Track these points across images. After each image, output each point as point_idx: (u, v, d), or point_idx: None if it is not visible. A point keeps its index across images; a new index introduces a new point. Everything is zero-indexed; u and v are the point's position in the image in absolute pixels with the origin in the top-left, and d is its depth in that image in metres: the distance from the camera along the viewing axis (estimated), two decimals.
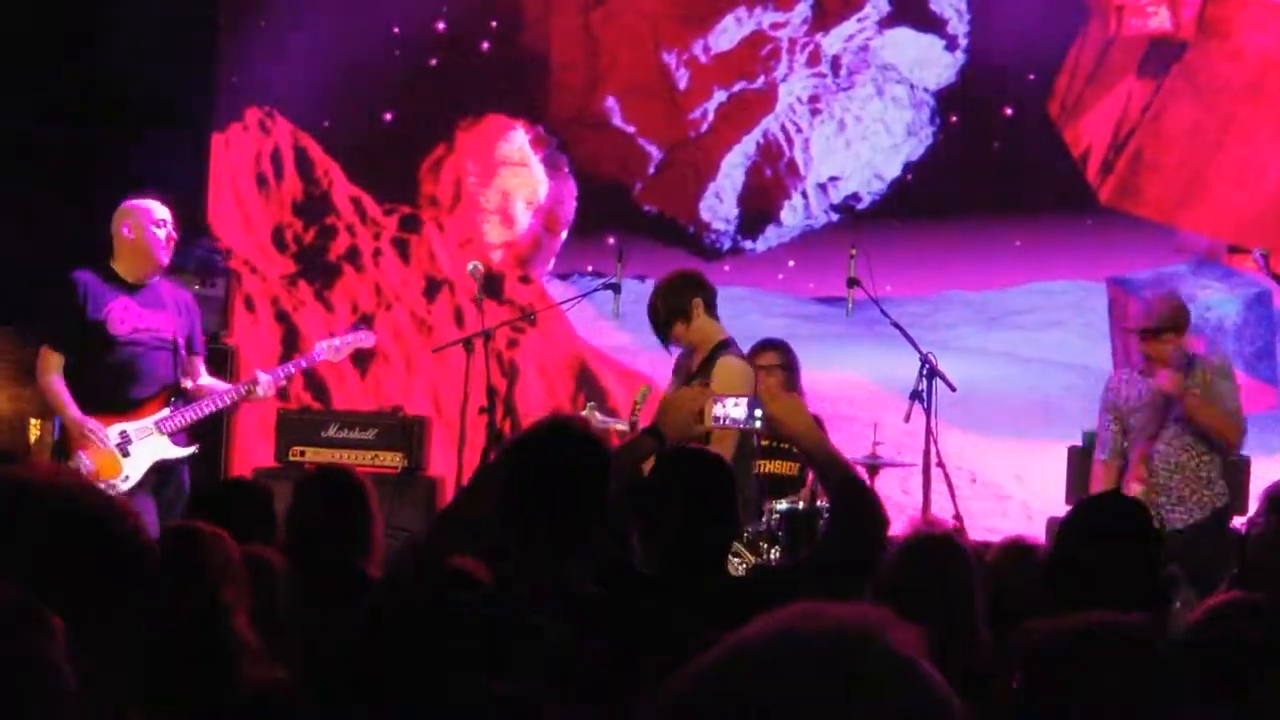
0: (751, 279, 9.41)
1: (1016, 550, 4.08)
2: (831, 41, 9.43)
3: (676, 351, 5.85)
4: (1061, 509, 7.57)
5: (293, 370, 6.71)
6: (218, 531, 3.06)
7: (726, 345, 5.69)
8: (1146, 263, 9.09)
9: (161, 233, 6.32)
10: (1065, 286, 9.09)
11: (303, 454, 6.97)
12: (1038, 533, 6.95)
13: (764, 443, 6.41)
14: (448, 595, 2.90)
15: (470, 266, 6.98)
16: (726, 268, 9.44)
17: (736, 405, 3.60)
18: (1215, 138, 9.03)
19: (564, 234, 9.90)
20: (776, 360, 6.58)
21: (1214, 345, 7.92)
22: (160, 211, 6.36)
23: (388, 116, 9.99)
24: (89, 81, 8.91)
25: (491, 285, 9.63)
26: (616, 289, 6.79)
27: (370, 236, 10.12)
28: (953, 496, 6.47)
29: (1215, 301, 8.77)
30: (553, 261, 9.92)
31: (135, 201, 6.43)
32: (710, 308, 5.76)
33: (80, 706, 1.78)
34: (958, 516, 6.35)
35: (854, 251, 6.84)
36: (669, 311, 5.69)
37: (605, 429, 5.90)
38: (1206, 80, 9.07)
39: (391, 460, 7.94)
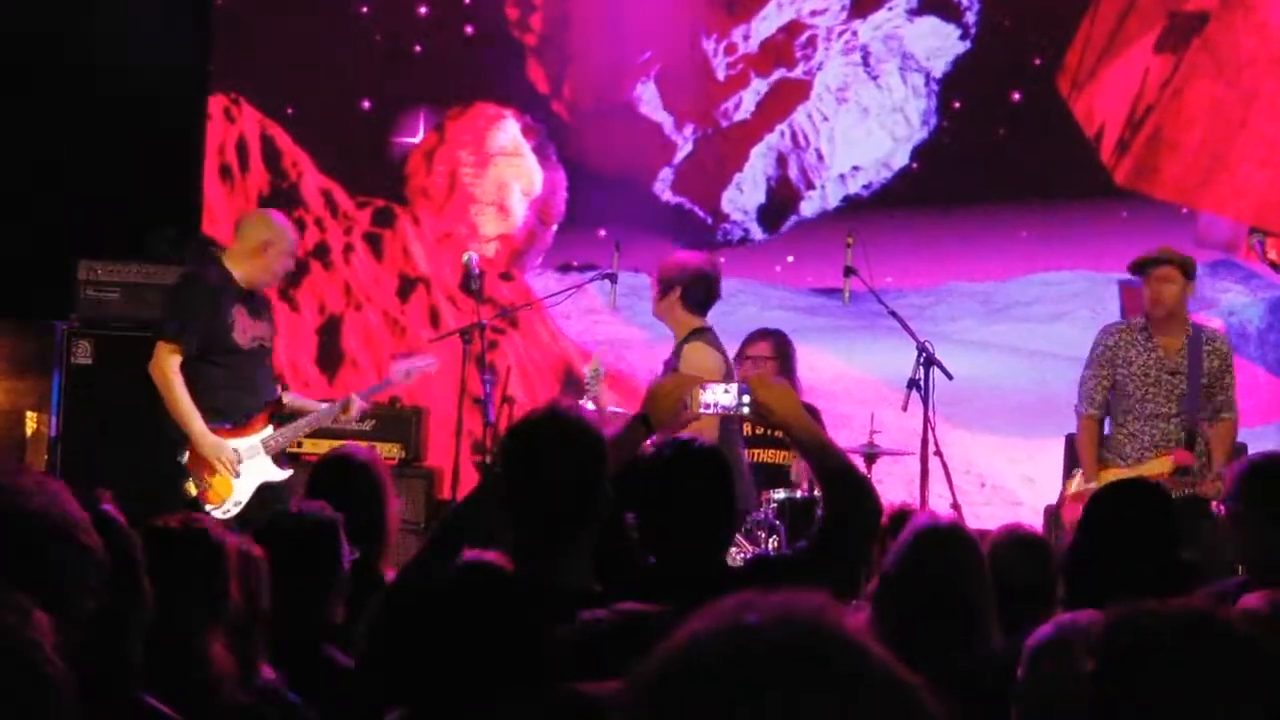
0: (749, 270, 9.86)
1: (1014, 539, 4.46)
2: (866, 30, 9.86)
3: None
4: (1054, 490, 8.03)
5: (378, 390, 7.09)
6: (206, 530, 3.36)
7: (699, 333, 6.27)
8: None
9: (290, 263, 6.71)
10: (1070, 277, 9.49)
11: (300, 445, 7.36)
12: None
13: (757, 432, 6.89)
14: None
15: (465, 256, 7.38)
16: (723, 260, 9.74)
17: (726, 392, 3.82)
18: (1238, 115, 9.35)
19: (554, 227, 10.26)
20: (768, 351, 7.16)
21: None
22: (296, 239, 6.73)
23: (365, 104, 10.34)
24: (78, 67, 9.36)
25: (467, 285, 9.97)
26: (613, 279, 7.27)
27: (341, 231, 10.43)
28: (950, 484, 6.90)
29: (1238, 306, 9.03)
30: (541, 256, 10.28)
31: (283, 223, 6.74)
32: (687, 301, 6.29)
33: (72, 693, 1.95)
34: (955, 505, 6.79)
35: (850, 240, 7.30)
36: (659, 281, 6.50)
37: (602, 415, 6.36)
38: (1229, 54, 9.39)
39: (389, 451, 8.46)
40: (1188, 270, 6.85)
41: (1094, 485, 6.65)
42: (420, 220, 10.44)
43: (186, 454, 6.45)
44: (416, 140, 10.35)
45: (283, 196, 10.18)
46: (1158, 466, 6.66)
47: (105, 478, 4.37)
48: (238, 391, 6.52)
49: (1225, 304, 8.99)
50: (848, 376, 9.44)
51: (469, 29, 10.30)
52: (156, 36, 9.45)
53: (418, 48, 10.31)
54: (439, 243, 10.40)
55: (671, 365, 6.39)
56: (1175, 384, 6.80)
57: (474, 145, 10.35)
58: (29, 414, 8.63)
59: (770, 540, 6.80)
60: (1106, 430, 7.05)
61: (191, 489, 6.43)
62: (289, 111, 10.40)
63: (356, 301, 10.42)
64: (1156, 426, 6.80)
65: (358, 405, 6.80)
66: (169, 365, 6.35)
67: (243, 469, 6.45)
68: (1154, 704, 1.86)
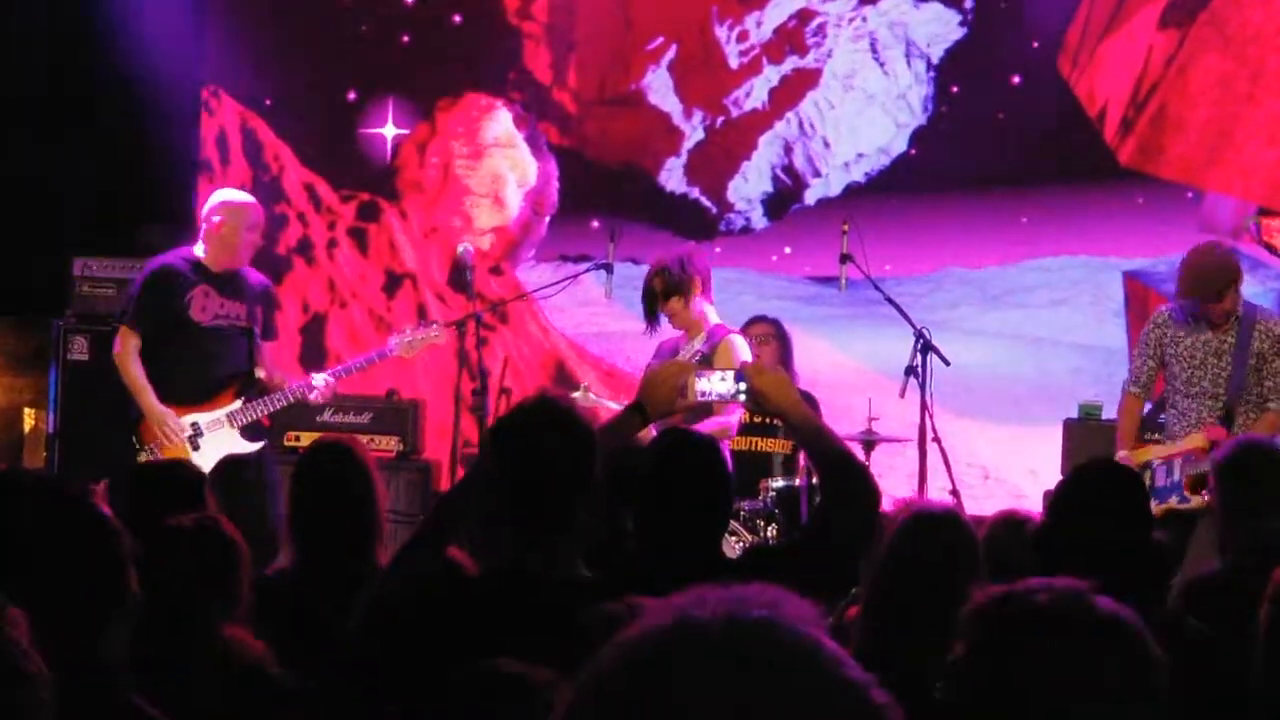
0: (746, 260, 10.06)
1: (1011, 523, 4.61)
2: (875, 17, 10.11)
3: (659, 337, 6.56)
4: (1056, 480, 8.18)
5: (360, 364, 7.43)
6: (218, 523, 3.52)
7: (721, 328, 6.41)
8: (1164, 237, 9.37)
9: (252, 237, 7.16)
10: (1071, 262, 9.64)
11: (298, 438, 7.61)
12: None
13: (755, 420, 7.06)
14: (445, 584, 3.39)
15: (460, 248, 7.60)
16: (718, 249, 9.89)
17: (722, 379, 3.90)
18: (1245, 91, 9.43)
19: (547, 218, 10.42)
20: (769, 330, 7.32)
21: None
22: (257, 214, 7.23)
23: (351, 96, 10.53)
24: (74, 63, 9.64)
25: (461, 278, 10.10)
26: (609, 269, 7.46)
27: (324, 226, 10.62)
28: (949, 472, 7.07)
29: (1245, 296, 9.09)
30: (534, 249, 10.45)
31: (236, 199, 7.29)
32: (707, 287, 6.46)
33: (49, 690, 2.04)
34: (954, 491, 6.96)
35: (846, 227, 7.47)
36: (669, 287, 6.37)
37: (592, 407, 6.51)
38: (1236, 29, 9.47)
39: (386, 444, 8.71)
40: (1239, 274, 7.02)
41: (1125, 454, 6.83)
42: (410, 214, 10.58)
43: (140, 427, 7.00)
44: (385, 130, 10.48)
45: (264, 190, 10.29)
46: (1191, 442, 6.78)
47: (103, 473, 4.60)
48: (195, 367, 7.06)
49: None
50: (845, 366, 9.64)
51: (457, 18, 10.46)
52: (153, 32, 9.65)
53: (405, 37, 10.46)
54: (426, 237, 10.52)
55: (702, 359, 6.50)
56: (1221, 367, 6.91)
57: (467, 136, 10.51)
58: (27, 411, 8.93)
59: (769, 529, 6.99)
60: (1155, 414, 7.18)
61: (143, 460, 6.86)
62: (267, 103, 10.55)
63: (341, 299, 10.59)
64: (1203, 404, 6.91)
65: (320, 388, 7.21)
66: (122, 346, 7.03)
67: (204, 442, 6.98)
68: (1018, 684, 1.94)
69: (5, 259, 9.19)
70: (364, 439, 7.40)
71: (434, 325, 7.35)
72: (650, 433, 4.41)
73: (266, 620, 3.70)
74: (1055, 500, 4.08)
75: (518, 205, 10.45)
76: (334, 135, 10.53)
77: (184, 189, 10.34)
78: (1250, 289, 8.81)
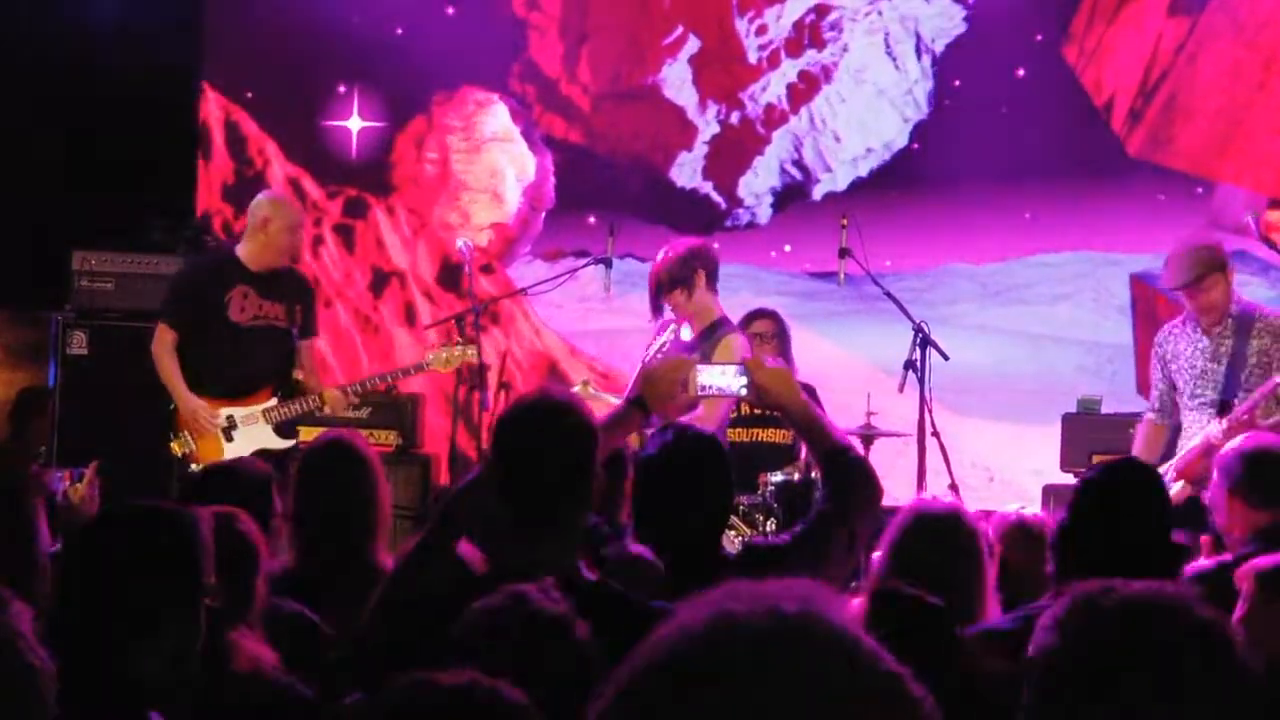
0: (745, 255, 10.30)
1: (1020, 531, 4.79)
2: (888, 11, 10.38)
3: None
4: (1057, 476, 8.37)
5: (396, 375, 7.94)
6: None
7: (724, 323, 6.61)
8: (1170, 233, 9.47)
9: (295, 239, 7.55)
10: (1073, 258, 9.88)
11: (297, 433, 7.79)
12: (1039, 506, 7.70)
13: (755, 411, 7.27)
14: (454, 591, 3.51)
15: (460, 243, 7.85)
16: (717, 245, 10.02)
17: (723, 374, 4.05)
18: (1258, 79, 9.63)
19: (543, 214, 10.62)
20: (771, 329, 7.62)
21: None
22: (300, 216, 7.66)
23: (341, 88, 10.71)
24: (73, 59, 9.85)
25: (452, 276, 10.28)
26: (608, 264, 7.66)
27: (310, 223, 10.67)
28: (948, 465, 7.26)
29: (1256, 300, 9.13)
30: (529, 244, 10.66)
31: (282, 199, 7.71)
32: (712, 281, 6.67)
33: (51, 684, 2.13)
34: (954, 486, 7.15)
35: (845, 222, 7.66)
36: (673, 279, 6.58)
37: (591, 402, 6.70)
38: (1248, 15, 9.68)
39: (385, 439, 8.98)
40: (1223, 265, 6.90)
41: None
42: (402, 210, 10.71)
43: (175, 416, 7.41)
44: (350, 123, 10.64)
45: (247, 186, 10.43)
46: (1184, 458, 6.75)
47: (102, 468, 4.79)
48: (233, 366, 7.43)
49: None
50: (844, 361, 9.89)
51: (450, 10, 10.63)
52: (152, 26, 9.85)
53: (398, 29, 10.61)
54: (417, 234, 10.65)
55: (692, 350, 6.68)
56: (1223, 372, 6.86)
57: (464, 131, 10.70)
58: None
59: (768, 524, 7.18)
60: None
61: (176, 448, 7.39)
62: (249, 95, 10.73)
63: (326, 298, 10.71)
64: (1205, 413, 6.85)
65: (332, 402, 7.60)
66: (159, 341, 7.44)
67: (238, 434, 7.39)
68: (1108, 685, 1.96)
69: (4, 252, 9.41)
70: (363, 433, 7.64)
71: (471, 344, 7.66)
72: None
73: (267, 620, 3.84)
74: (1074, 500, 4.14)
75: (517, 201, 10.64)
76: (322, 130, 10.68)
77: (185, 182, 10.54)
78: (1262, 292, 8.94)
